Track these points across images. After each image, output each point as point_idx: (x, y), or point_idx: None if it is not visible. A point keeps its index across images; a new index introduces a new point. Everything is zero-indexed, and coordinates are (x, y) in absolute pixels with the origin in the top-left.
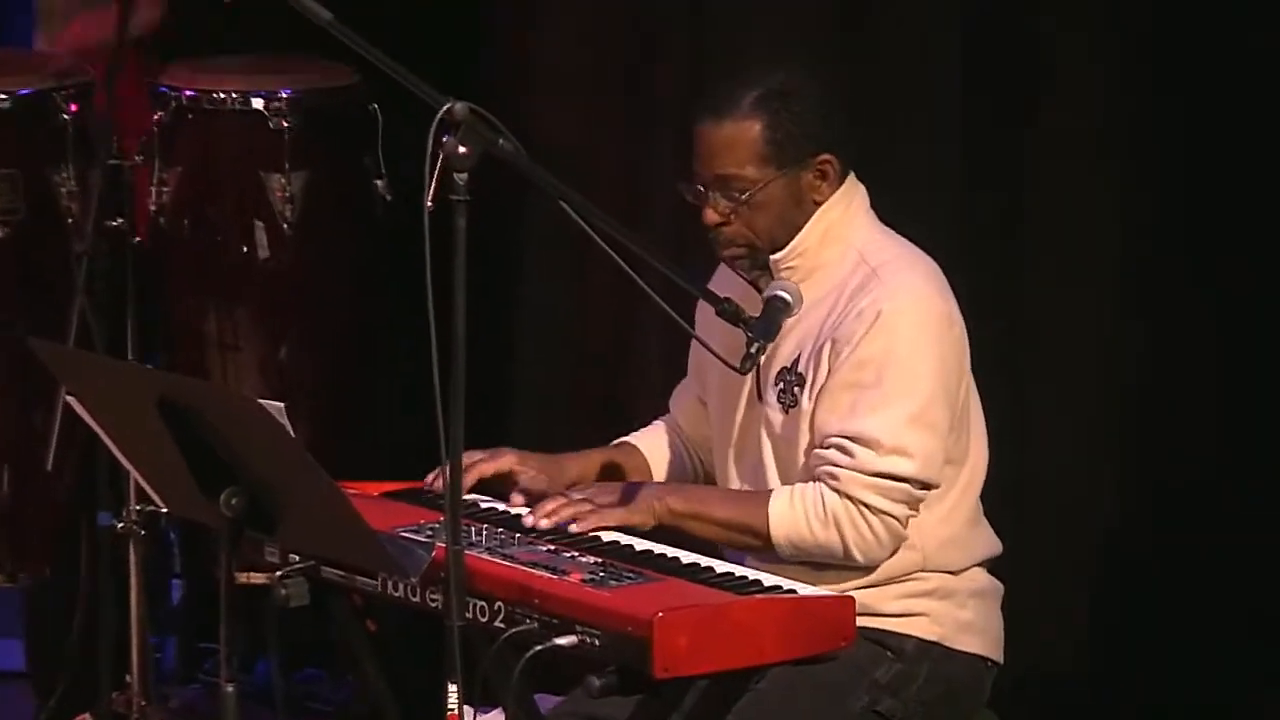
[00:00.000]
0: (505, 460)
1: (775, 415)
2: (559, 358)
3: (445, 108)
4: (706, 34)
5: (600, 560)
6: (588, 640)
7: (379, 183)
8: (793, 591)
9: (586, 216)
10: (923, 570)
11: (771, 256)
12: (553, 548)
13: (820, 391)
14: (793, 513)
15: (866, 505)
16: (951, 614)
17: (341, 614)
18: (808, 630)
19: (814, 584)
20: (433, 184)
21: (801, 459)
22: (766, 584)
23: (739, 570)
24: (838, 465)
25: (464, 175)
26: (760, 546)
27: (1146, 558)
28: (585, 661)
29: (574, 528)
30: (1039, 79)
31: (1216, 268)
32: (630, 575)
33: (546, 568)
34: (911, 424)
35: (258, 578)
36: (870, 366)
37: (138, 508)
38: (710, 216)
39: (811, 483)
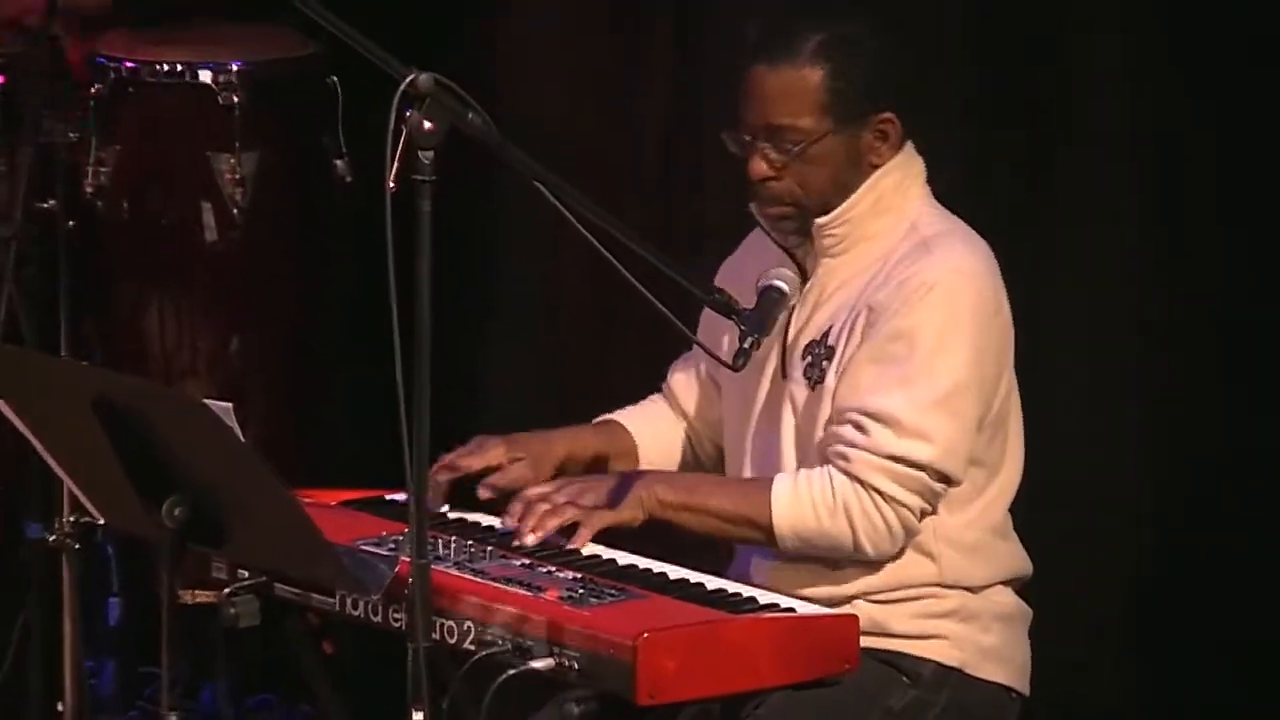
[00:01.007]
0: (493, 454)
1: (800, 391)
2: (535, 349)
3: (409, 79)
4: (691, 5)
5: (579, 576)
6: (566, 663)
7: (339, 163)
8: (791, 609)
9: (563, 198)
10: (939, 583)
11: (818, 220)
12: (527, 561)
13: (847, 362)
14: (797, 500)
15: (879, 492)
16: (973, 638)
17: (295, 635)
18: (807, 652)
19: (819, 584)
20: (395, 163)
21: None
22: (762, 601)
23: (732, 586)
24: (851, 445)
25: (429, 153)
26: (760, 540)
27: (1182, 570)
28: (563, 687)
29: (574, 542)
30: (1054, 64)
31: (1251, 257)
32: (612, 592)
33: (521, 584)
34: (936, 407)
35: (203, 595)
36: (903, 339)
37: (71, 519)
38: (758, 168)
39: (818, 469)
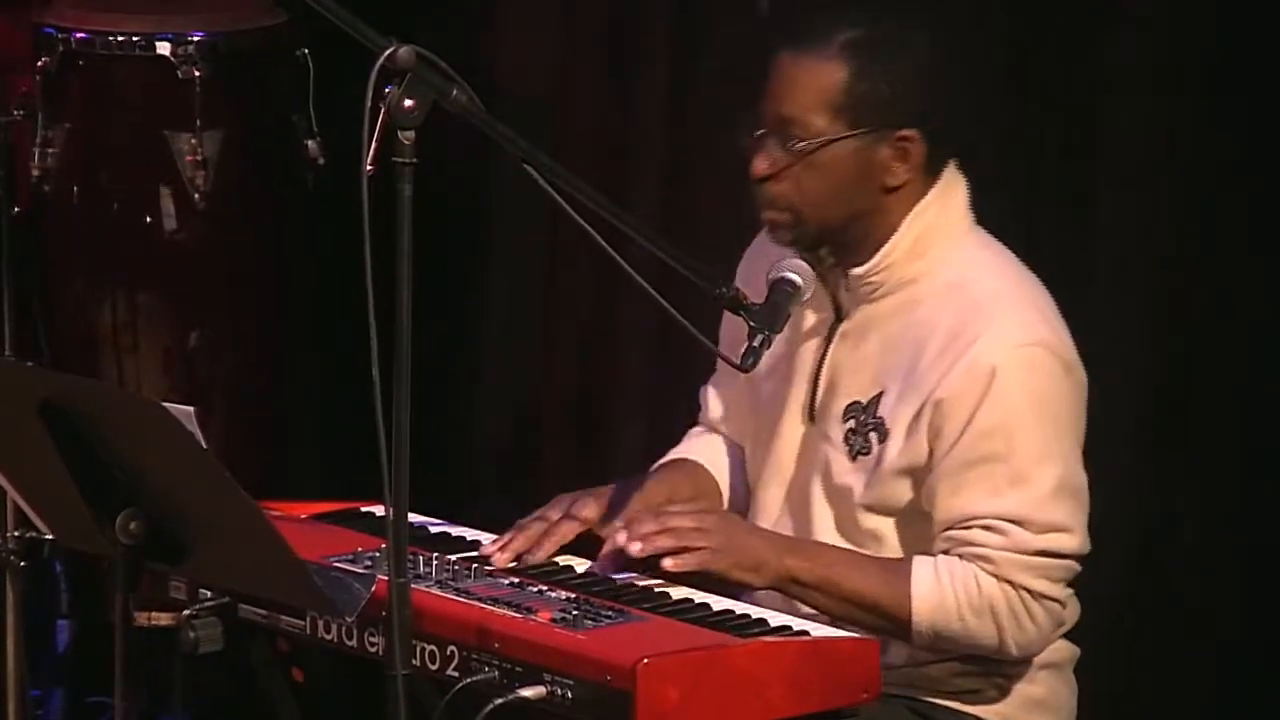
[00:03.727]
0: (587, 515)
1: (838, 458)
2: (529, 348)
3: (387, 52)
4: None
5: (573, 596)
6: (558, 692)
7: (310, 144)
8: (804, 633)
9: (556, 182)
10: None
11: (853, 271)
12: (516, 580)
13: (939, 470)
14: (941, 596)
15: (1029, 590)
16: (1019, 690)
17: (262, 661)
18: (823, 679)
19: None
20: (373, 144)
21: (864, 519)
22: (773, 624)
23: (739, 607)
24: (988, 546)
25: (410, 133)
26: (889, 630)
27: (1237, 596)
28: (555, 717)
29: (666, 563)
30: (1095, 75)
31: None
32: (609, 614)
33: (509, 605)
34: (1058, 495)
35: (161, 618)
36: (997, 436)
37: (16, 534)
38: (759, 167)
39: (955, 559)
